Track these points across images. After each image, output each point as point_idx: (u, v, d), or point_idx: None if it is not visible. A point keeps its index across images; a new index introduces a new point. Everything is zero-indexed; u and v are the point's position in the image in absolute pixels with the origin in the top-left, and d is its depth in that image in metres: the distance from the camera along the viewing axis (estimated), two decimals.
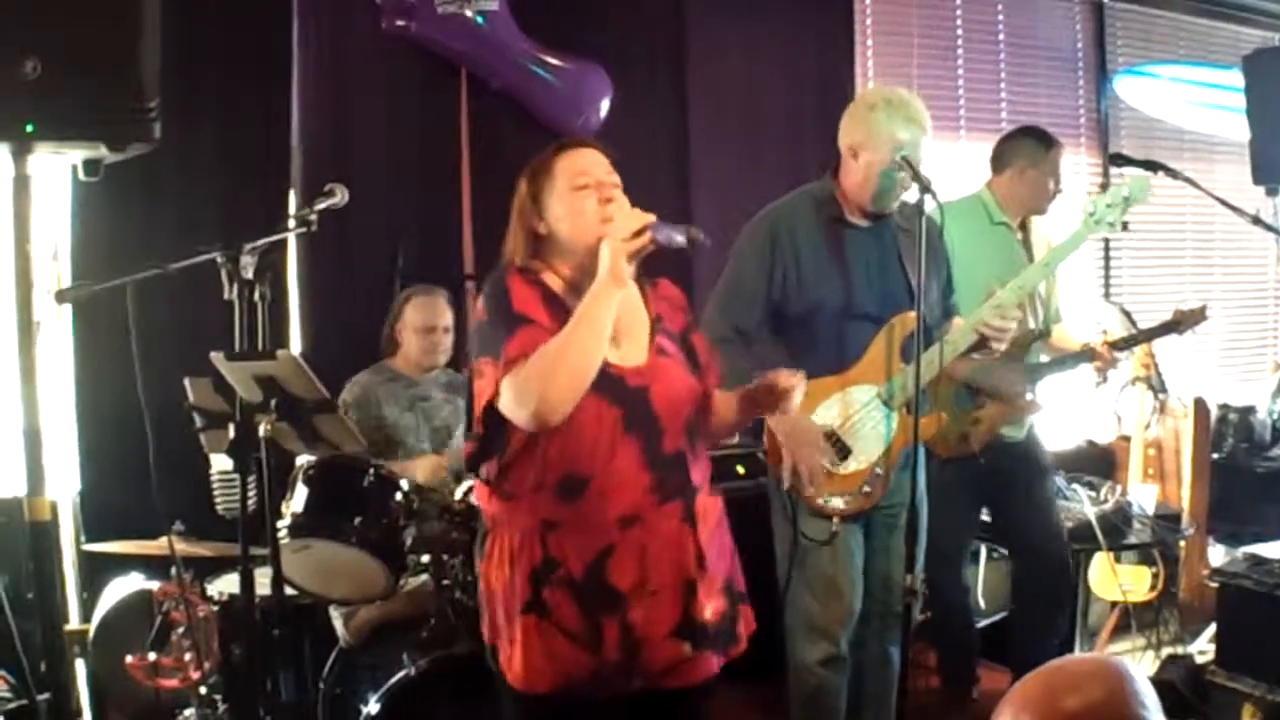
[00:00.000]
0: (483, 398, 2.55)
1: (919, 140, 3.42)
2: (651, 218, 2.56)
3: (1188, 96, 6.60)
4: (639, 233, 2.52)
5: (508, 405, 2.49)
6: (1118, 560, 4.92)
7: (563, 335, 2.47)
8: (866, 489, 3.54)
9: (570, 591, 2.57)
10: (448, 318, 4.35)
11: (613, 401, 2.56)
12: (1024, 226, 4.45)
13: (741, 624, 2.81)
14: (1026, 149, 4.39)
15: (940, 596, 4.47)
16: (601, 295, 2.50)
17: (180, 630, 3.37)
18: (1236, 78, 5.68)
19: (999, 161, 4.46)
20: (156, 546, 3.31)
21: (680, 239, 2.57)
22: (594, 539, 2.58)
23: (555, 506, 2.58)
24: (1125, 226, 3.71)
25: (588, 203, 2.63)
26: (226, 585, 3.64)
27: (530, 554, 2.59)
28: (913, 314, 3.40)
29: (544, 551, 2.58)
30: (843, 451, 3.53)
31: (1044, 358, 4.44)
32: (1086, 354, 4.38)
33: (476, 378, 2.59)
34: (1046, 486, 4.50)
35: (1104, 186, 3.79)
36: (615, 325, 2.58)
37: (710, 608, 2.67)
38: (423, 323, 4.28)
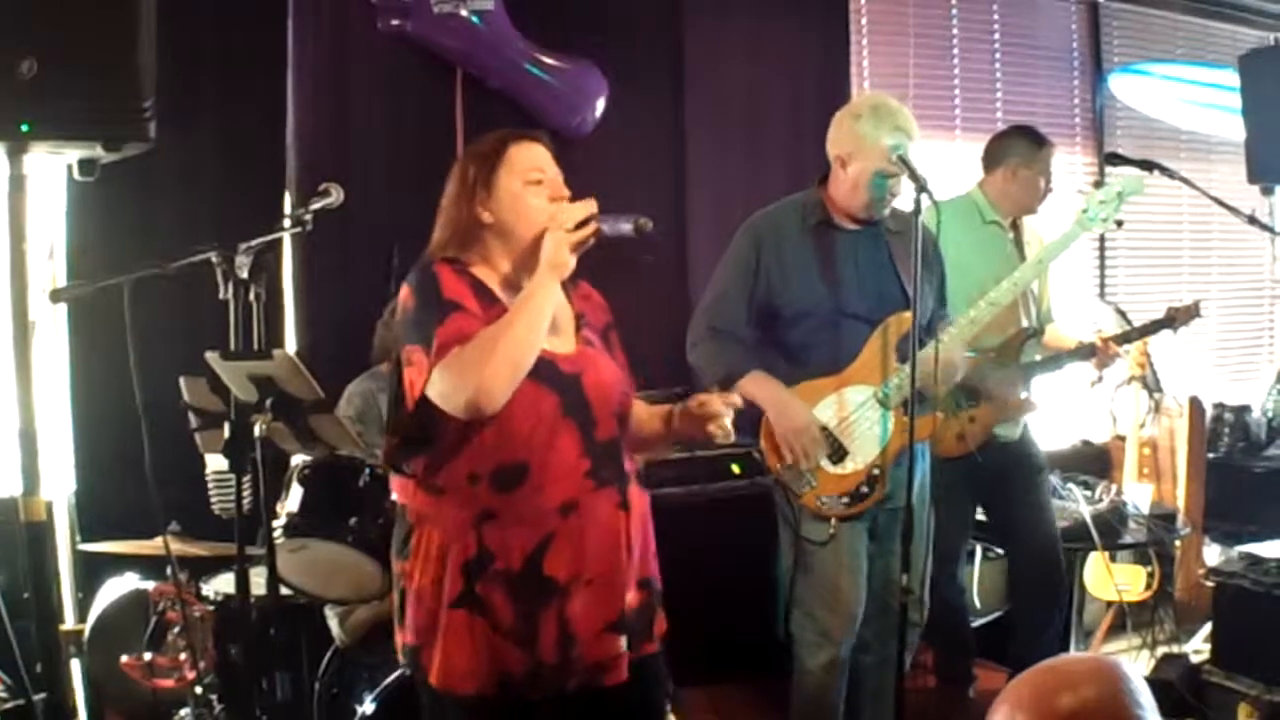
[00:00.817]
0: (415, 388, 2.48)
1: (908, 146, 3.43)
2: (594, 207, 2.54)
3: (1183, 95, 6.61)
4: (583, 223, 2.50)
5: (440, 393, 2.43)
6: (1113, 559, 4.93)
7: (502, 322, 2.45)
8: (864, 489, 3.55)
9: (506, 585, 2.52)
10: None
11: (550, 387, 2.53)
12: (1016, 226, 4.46)
13: (657, 622, 2.76)
14: (1019, 148, 4.40)
15: (937, 595, 4.47)
16: (544, 285, 2.48)
17: (176, 630, 3.37)
18: (1232, 77, 5.69)
19: (990, 161, 4.47)
20: (152, 546, 3.31)
21: (627, 227, 2.53)
22: (534, 529, 2.53)
23: (491, 497, 2.52)
24: (1120, 224, 3.72)
25: (539, 199, 2.61)
26: (222, 585, 3.63)
27: (462, 548, 2.52)
28: (907, 314, 3.40)
29: (478, 545, 2.52)
30: (839, 452, 3.54)
31: (1037, 356, 4.45)
32: (1087, 350, 4.38)
33: (405, 366, 2.53)
34: (1041, 486, 4.51)
35: (1099, 186, 3.79)
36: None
37: (630, 596, 2.64)
38: None
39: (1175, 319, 4.42)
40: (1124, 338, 4.51)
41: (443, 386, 2.43)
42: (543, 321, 2.48)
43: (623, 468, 2.66)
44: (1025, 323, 4.37)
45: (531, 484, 2.52)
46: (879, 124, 3.45)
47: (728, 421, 2.63)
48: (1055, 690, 1.54)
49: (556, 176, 2.66)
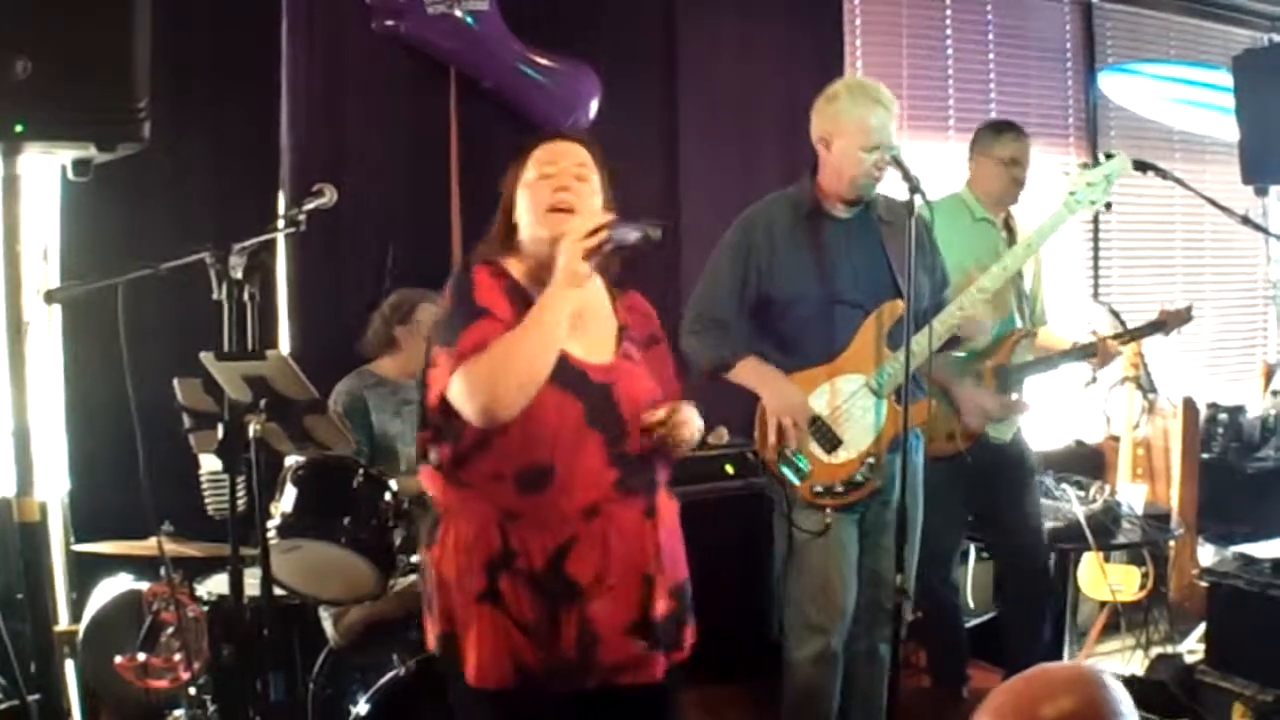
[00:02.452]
0: (436, 387, 2.56)
1: (886, 121, 3.46)
2: (609, 217, 2.55)
3: (1172, 94, 6.61)
4: (595, 232, 2.50)
5: (457, 398, 2.48)
6: (1107, 560, 4.93)
7: (514, 335, 2.47)
8: (859, 478, 3.55)
9: (529, 583, 2.55)
10: None
11: (575, 395, 2.55)
12: (1009, 225, 4.46)
13: (688, 631, 2.78)
14: (980, 139, 4.47)
15: (930, 596, 4.48)
16: (555, 297, 2.49)
17: (170, 631, 3.37)
18: (1224, 77, 5.69)
19: (968, 158, 4.50)
20: (146, 547, 3.31)
21: (634, 235, 2.54)
22: (556, 531, 2.56)
23: (515, 497, 2.55)
24: (1109, 206, 3.73)
25: (543, 192, 2.64)
26: (216, 585, 3.63)
27: (488, 543, 2.56)
28: (900, 302, 3.42)
29: (503, 541, 2.56)
30: (833, 441, 3.54)
31: (1029, 357, 4.45)
32: (1088, 350, 4.38)
33: (431, 367, 2.59)
34: (1031, 489, 4.52)
35: (1086, 168, 3.78)
36: (580, 320, 2.59)
37: (661, 605, 2.65)
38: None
39: (1167, 322, 4.43)
40: (1115, 340, 4.51)
41: (460, 392, 2.48)
42: (553, 334, 2.49)
43: (653, 478, 2.68)
44: (1019, 323, 4.38)
45: (556, 487, 2.55)
46: (854, 100, 3.50)
47: (689, 430, 2.64)
48: (1035, 700, 1.54)
49: (569, 169, 2.66)
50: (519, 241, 2.69)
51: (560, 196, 2.62)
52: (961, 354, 3.98)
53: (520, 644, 2.56)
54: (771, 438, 3.51)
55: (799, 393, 3.52)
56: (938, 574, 4.42)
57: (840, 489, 3.55)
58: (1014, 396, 4.30)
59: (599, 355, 2.65)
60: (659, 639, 2.66)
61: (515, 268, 2.67)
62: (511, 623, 2.55)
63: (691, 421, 2.65)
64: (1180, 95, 6.61)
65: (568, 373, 2.54)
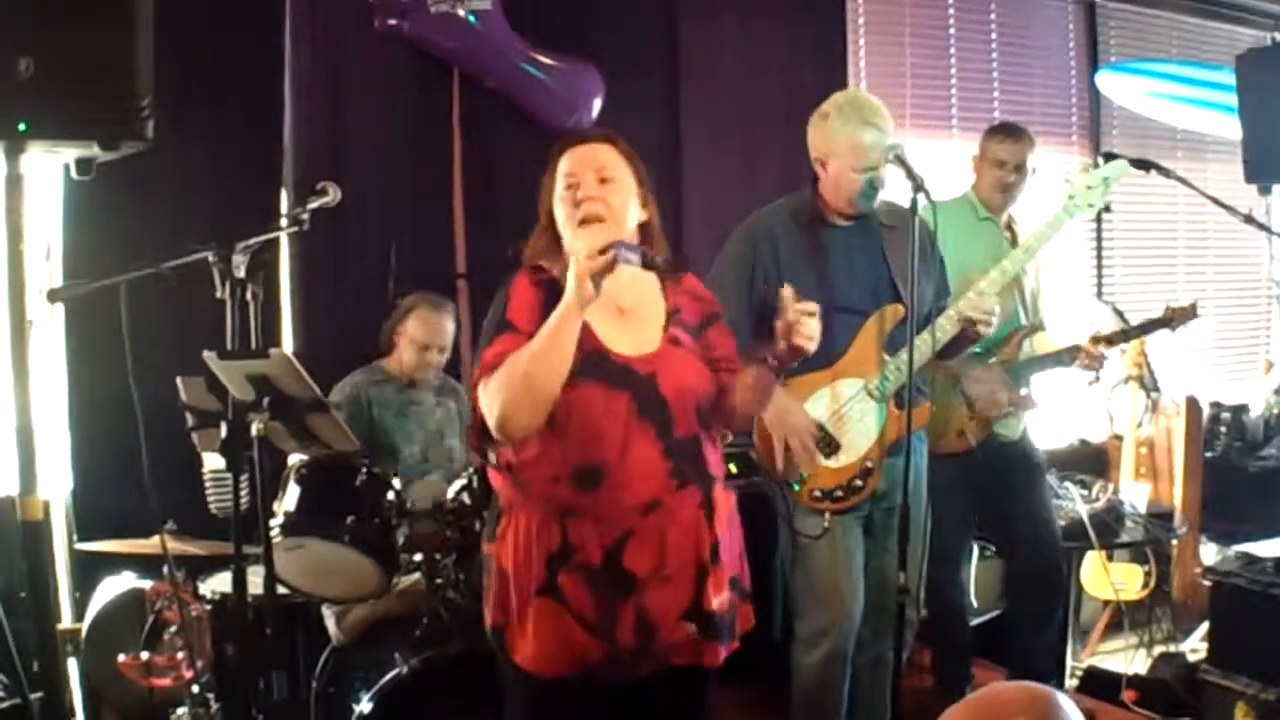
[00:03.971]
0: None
1: (880, 140, 3.42)
2: (618, 235, 2.55)
3: (1170, 91, 6.58)
4: (603, 250, 2.46)
5: (481, 410, 2.54)
6: (1110, 559, 4.93)
7: (523, 353, 2.48)
8: (858, 482, 3.55)
9: (587, 577, 2.58)
10: (447, 337, 4.27)
11: (622, 390, 2.56)
12: (1010, 229, 4.46)
13: (739, 621, 2.80)
14: (981, 143, 4.45)
15: (936, 596, 4.47)
16: (564, 319, 2.47)
17: (173, 629, 3.37)
18: (1226, 76, 5.69)
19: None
20: (149, 545, 3.31)
21: (634, 259, 2.47)
22: (614, 526, 2.58)
23: (573, 495, 2.57)
24: (1108, 208, 3.72)
25: (571, 204, 2.65)
26: (219, 584, 3.64)
27: (548, 538, 2.59)
28: (900, 305, 3.41)
29: (563, 537, 2.58)
30: (832, 446, 3.54)
31: (1033, 354, 4.45)
32: (1071, 353, 4.39)
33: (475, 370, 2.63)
34: (1041, 485, 4.51)
35: (1086, 171, 3.78)
36: (624, 313, 2.65)
37: (719, 599, 2.67)
38: (422, 339, 4.20)
39: (1173, 319, 4.42)
40: (1121, 336, 4.51)
41: (482, 406, 2.53)
42: (560, 355, 2.48)
43: (706, 468, 2.69)
44: (1023, 320, 4.38)
45: (612, 483, 2.57)
46: (846, 120, 3.46)
47: (814, 325, 2.64)
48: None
49: (594, 176, 2.67)
50: (559, 246, 2.72)
51: (586, 209, 2.63)
52: (977, 349, 3.98)
53: (580, 637, 2.59)
54: (780, 463, 3.50)
55: (801, 410, 3.50)
56: (944, 574, 4.41)
57: (839, 493, 3.54)
58: (1022, 391, 4.30)
59: (645, 346, 2.66)
60: (715, 629, 2.68)
61: (560, 271, 2.63)
62: (570, 616, 2.58)
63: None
64: (1178, 93, 6.59)
65: (613, 369, 2.57)
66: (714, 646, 2.70)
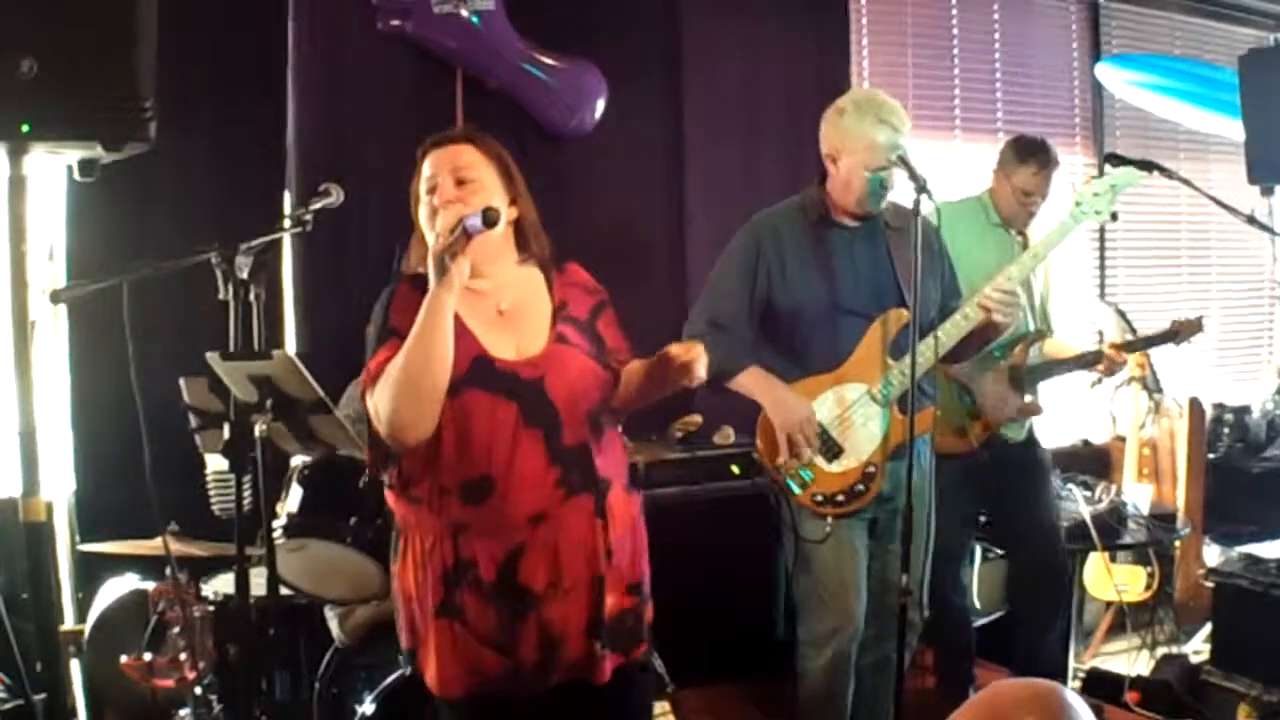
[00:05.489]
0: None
1: (895, 140, 3.42)
2: (464, 211, 2.50)
3: (1170, 86, 6.57)
4: (449, 232, 2.46)
5: (372, 421, 2.53)
6: (1113, 560, 4.93)
7: (400, 355, 2.46)
8: (860, 487, 3.54)
9: (482, 594, 2.55)
10: None
11: (507, 398, 2.53)
12: (1023, 233, 4.45)
13: (644, 628, 2.77)
14: (1006, 158, 4.44)
15: (939, 596, 4.47)
16: (432, 307, 2.45)
17: (175, 630, 3.36)
18: (1229, 76, 5.68)
19: (995, 164, 4.49)
20: (152, 546, 3.30)
21: (476, 221, 2.46)
22: (503, 539, 2.55)
23: (461, 509, 2.55)
24: (1115, 216, 3.71)
25: (429, 208, 2.63)
26: (222, 585, 3.63)
27: (442, 556, 2.57)
28: (904, 310, 3.41)
29: (455, 553, 2.56)
30: (835, 450, 3.54)
31: (1041, 360, 4.44)
32: (1094, 357, 4.38)
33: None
34: (1046, 487, 4.52)
35: (1093, 179, 3.77)
36: (506, 317, 2.61)
37: (611, 603, 2.64)
38: None
39: (1179, 333, 4.41)
40: (1127, 348, 4.51)
41: (373, 416, 2.52)
42: (436, 345, 2.45)
43: (596, 473, 2.63)
44: (1032, 325, 4.37)
45: (498, 496, 2.53)
46: (862, 117, 3.45)
47: (700, 367, 2.55)
48: (1002, 717, 1.54)
49: (451, 179, 2.62)
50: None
51: (444, 215, 2.56)
52: (994, 351, 3.98)
53: (481, 655, 2.57)
54: (783, 456, 3.50)
55: (804, 404, 3.51)
56: (947, 575, 4.41)
57: (841, 498, 3.54)
58: (1028, 399, 4.30)
59: (530, 348, 2.63)
60: (609, 638, 2.65)
61: None
62: (470, 635, 2.56)
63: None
64: (1178, 88, 6.57)
65: (497, 377, 2.54)
66: (610, 656, 2.66)
